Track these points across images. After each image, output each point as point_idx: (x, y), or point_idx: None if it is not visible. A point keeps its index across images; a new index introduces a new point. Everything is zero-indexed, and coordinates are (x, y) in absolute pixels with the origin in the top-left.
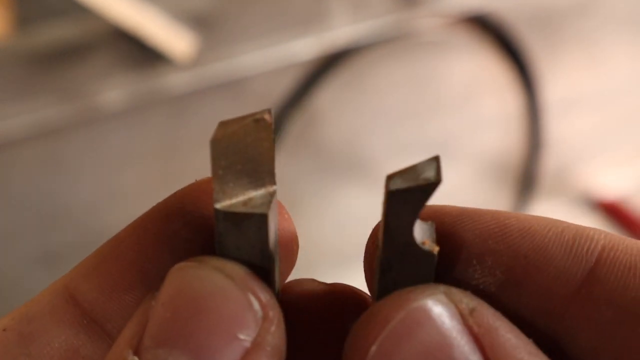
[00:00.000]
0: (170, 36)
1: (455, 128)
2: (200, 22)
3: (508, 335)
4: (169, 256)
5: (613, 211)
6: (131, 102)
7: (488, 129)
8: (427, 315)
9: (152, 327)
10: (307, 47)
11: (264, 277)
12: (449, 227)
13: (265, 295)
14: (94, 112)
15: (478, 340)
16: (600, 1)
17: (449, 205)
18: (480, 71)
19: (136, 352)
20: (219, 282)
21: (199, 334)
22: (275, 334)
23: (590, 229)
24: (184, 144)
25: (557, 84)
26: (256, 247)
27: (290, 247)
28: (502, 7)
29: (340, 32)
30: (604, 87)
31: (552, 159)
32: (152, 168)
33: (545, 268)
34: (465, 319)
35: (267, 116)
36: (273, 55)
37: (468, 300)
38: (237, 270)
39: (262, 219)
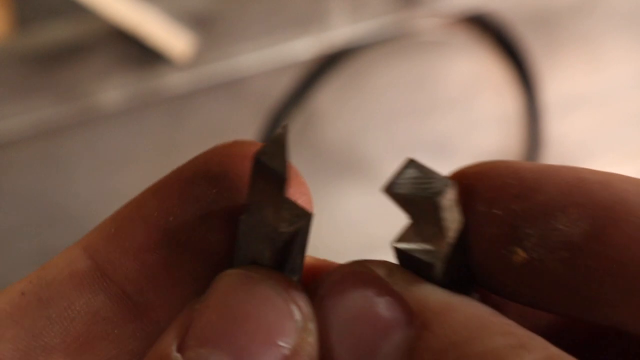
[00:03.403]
0: (169, 36)
1: (454, 128)
2: (199, 22)
3: (425, 288)
4: (193, 217)
5: None
6: (130, 102)
7: (487, 128)
8: (345, 284)
9: (196, 327)
10: (306, 47)
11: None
12: (531, 182)
13: (306, 308)
14: (92, 112)
15: (399, 297)
16: (599, 1)
17: (527, 162)
18: (479, 71)
19: (179, 350)
20: (265, 291)
21: (241, 337)
22: (313, 344)
23: None
24: (183, 143)
25: (556, 83)
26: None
27: None
28: (502, 7)
29: (339, 32)
30: (604, 87)
31: (552, 159)
32: (150, 168)
33: (627, 218)
34: (382, 281)
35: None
36: (272, 55)
37: (384, 266)
38: (283, 281)
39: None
